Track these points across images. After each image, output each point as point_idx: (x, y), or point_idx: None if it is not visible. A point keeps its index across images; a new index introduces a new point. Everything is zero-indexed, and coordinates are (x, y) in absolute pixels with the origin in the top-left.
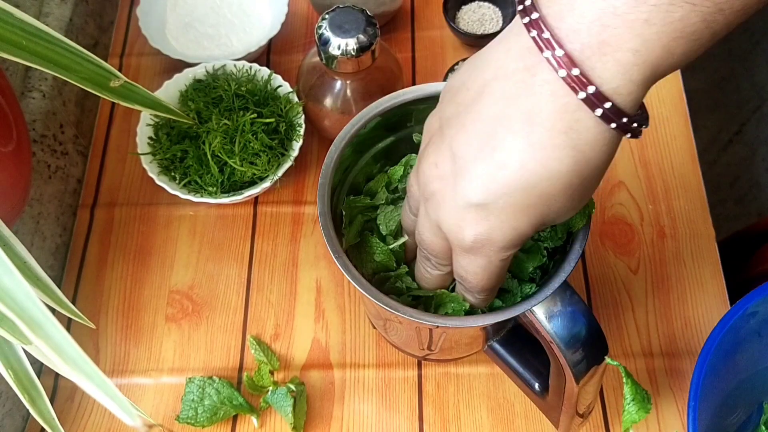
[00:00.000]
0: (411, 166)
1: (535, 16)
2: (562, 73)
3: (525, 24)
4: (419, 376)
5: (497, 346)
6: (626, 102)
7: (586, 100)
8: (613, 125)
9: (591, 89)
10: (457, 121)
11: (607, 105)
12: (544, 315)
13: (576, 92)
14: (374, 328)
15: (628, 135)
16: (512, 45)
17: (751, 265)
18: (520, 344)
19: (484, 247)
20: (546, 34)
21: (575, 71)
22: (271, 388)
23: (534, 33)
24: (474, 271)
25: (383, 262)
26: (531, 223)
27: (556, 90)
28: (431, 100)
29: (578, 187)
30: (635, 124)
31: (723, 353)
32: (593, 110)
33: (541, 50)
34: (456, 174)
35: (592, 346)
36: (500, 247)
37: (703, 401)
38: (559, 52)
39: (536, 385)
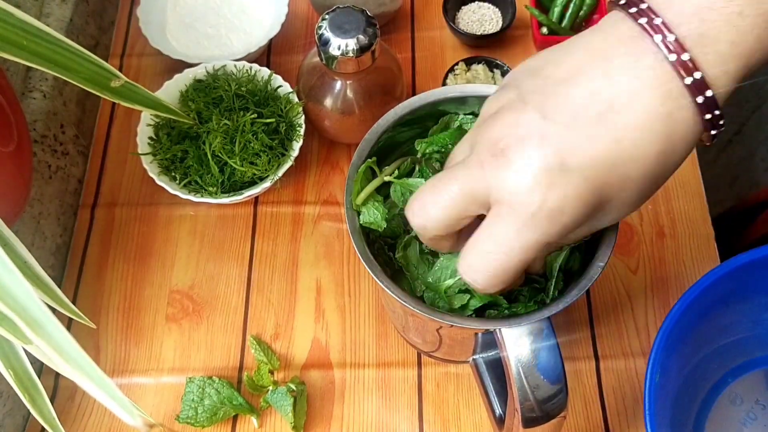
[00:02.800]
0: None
1: (644, 6)
2: (672, 57)
3: (632, 13)
4: (419, 376)
5: (480, 362)
6: (720, 95)
7: (691, 86)
8: (708, 116)
9: (697, 75)
10: (546, 90)
11: (708, 93)
12: (513, 348)
13: (682, 78)
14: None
15: (712, 132)
16: (610, 34)
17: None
18: (501, 371)
19: (546, 218)
20: (658, 20)
21: (685, 56)
22: (271, 387)
23: (644, 20)
24: (509, 246)
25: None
26: (593, 205)
27: (661, 75)
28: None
29: (653, 179)
30: (722, 121)
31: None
32: (696, 97)
33: (651, 36)
34: (545, 135)
35: (547, 400)
36: (561, 226)
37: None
38: (671, 37)
39: (497, 413)
